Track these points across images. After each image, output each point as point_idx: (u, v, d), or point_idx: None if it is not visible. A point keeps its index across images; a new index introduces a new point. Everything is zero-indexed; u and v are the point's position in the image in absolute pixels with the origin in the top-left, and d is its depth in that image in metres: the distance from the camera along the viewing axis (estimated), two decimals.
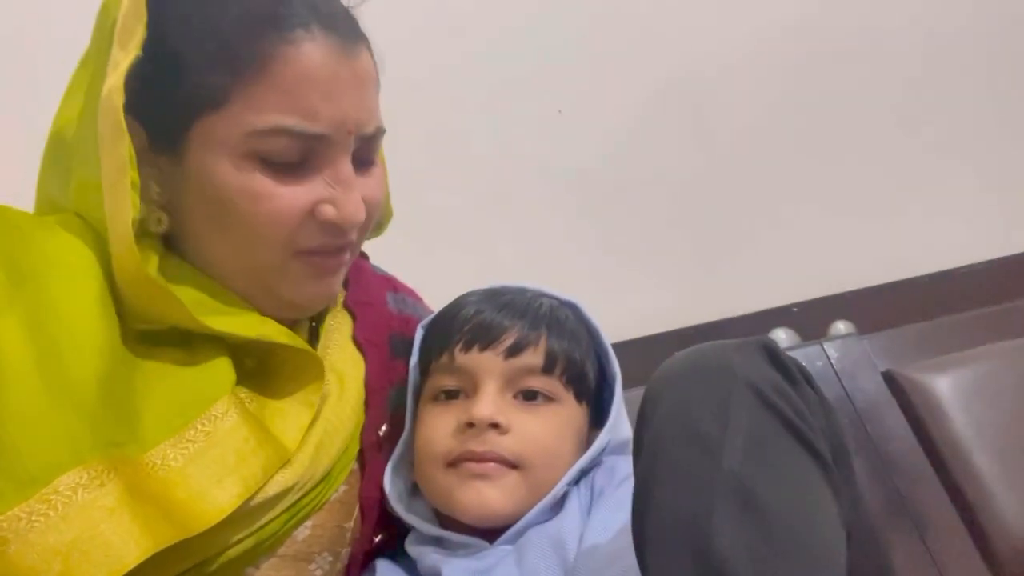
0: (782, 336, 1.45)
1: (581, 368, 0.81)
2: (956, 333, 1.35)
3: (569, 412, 0.80)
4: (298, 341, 0.71)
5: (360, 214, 0.70)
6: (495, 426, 0.75)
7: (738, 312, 1.54)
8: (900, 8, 1.66)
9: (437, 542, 0.76)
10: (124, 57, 0.62)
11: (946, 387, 1.23)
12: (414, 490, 0.83)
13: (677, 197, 1.61)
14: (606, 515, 0.72)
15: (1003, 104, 1.68)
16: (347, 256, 0.74)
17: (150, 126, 0.66)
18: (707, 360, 0.61)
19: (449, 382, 0.79)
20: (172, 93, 0.66)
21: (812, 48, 1.64)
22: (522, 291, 0.84)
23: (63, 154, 0.71)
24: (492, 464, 0.74)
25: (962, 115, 1.67)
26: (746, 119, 1.63)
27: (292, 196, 0.67)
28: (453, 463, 0.76)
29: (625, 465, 0.77)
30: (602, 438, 0.80)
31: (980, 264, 1.60)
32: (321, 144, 0.67)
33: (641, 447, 0.60)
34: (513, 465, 0.75)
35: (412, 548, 0.77)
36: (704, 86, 1.62)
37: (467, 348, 0.78)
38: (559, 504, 0.75)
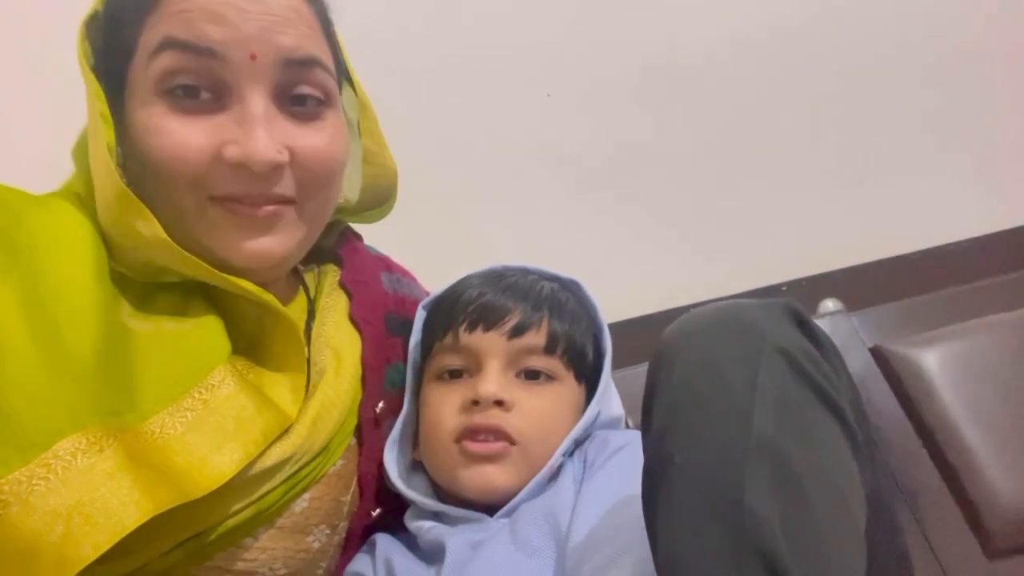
0: None
1: (581, 348, 0.83)
2: (943, 309, 1.36)
3: (568, 391, 0.81)
4: (264, 295, 0.69)
5: (268, 154, 0.64)
6: (499, 403, 0.76)
7: (727, 292, 1.54)
8: None
9: (436, 516, 0.78)
10: (89, 9, 0.66)
11: (934, 362, 1.24)
12: (412, 466, 0.84)
13: (666, 179, 1.62)
14: (598, 484, 0.73)
15: (990, 81, 1.69)
16: (279, 211, 0.69)
17: (107, 90, 0.67)
18: (732, 317, 0.59)
19: (453, 361, 0.81)
20: (110, 51, 0.67)
21: (802, 27, 1.64)
22: (524, 273, 0.85)
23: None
24: (497, 444, 0.76)
25: (949, 92, 1.67)
26: (734, 99, 1.63)
27: (193, 134, 0.64)
28: (459, 439, 0.77)
29: (617, 437, 0.79)
30: (592, 408, 0.81)
31: (967, 240, 1.61)
32: (223, 71, 0.65)
33: (657, 398, 0.58)
34: (513, 441, 0.76)
35: (411, 522, 0.78)
36: (692, 68, 1.62)
37: (471, 328, 0.80)
38: (554, 476, 0.77)
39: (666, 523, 0.54)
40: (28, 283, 0.60)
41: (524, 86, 1.59)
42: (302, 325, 0.79)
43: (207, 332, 0.68)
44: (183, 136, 0.64)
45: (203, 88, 0.65)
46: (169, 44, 0.64)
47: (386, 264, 0.96)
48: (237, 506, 0.65)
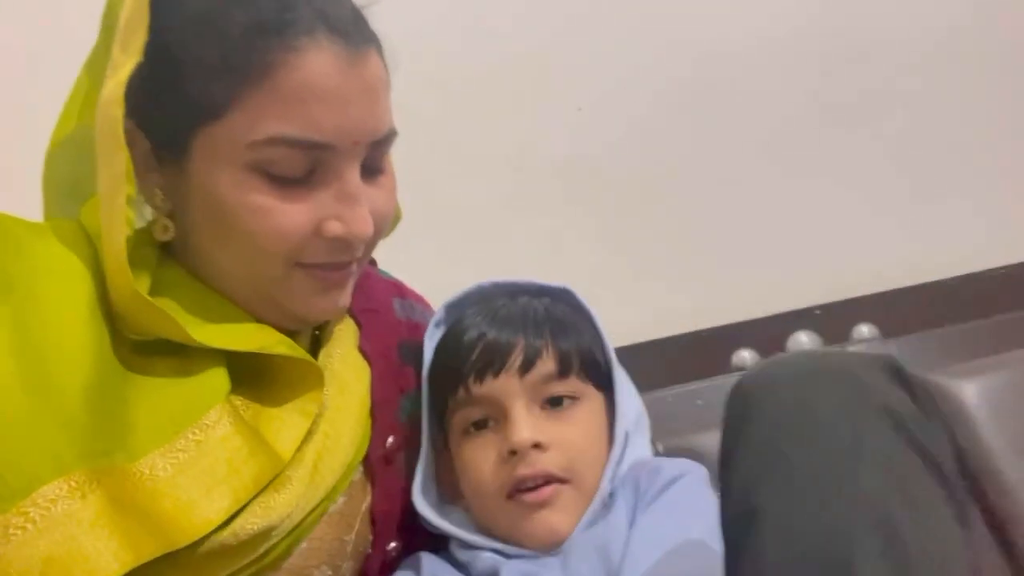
0: (804, 339, 1.43)
1: (592, 357, 0.82)
2: (983, 338, 1.32)
3: (593, 405, 0.81)
4: (298, 351, 0.69)
5: (368, 229, 0.67)
6: (536, 446, 0.75)
7: (759, 314, 1.51)
8: (918, 6, 1.63)
9: (494, 550, 0.77)
10: (125, 61, 0.61)
11: (973, 393, 1.20)
12: (439, 502, 0.83)
13: (698, 195, 1.59)
14: (651, 521, 0.72)
15: None
16: (354, 268, 0.72)
17: (153, 133, 0.65)
18: (829, 367, 0.56)
19: (475, 414, 0.79)
20: (174, 101, 0.64)
21: (831, 46, 1.61)
22: (513, 296, 0.84)
23: (68, 160, 0.70)
24: (548, 488, 0.75)
25: (988, 115, 1.63)
26: (769, 117, 1.60)
27: (295, 212, 0.65)
28: (510, 495, 0.76)
29: (670, 466, 0.78)
30: (619, 430, 0.80)
31: (1007, 267, 1.56)
32: (326, 155, 0.65)
33: (742, 445, 0.55)
34: (564, 480, 0.75)
35: (461, 553, 0.77)
36: (725, 84, 1.59)
37: (481, 377, 0.78)
38: (607, 505, 0.76)
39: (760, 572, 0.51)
40: (20, 318, 0.59)
41: (555, 98, 1.57)
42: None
43: (206, 370, 0.66)
44: (285, 216, 0.64)
45: (305, 170, 0.65)
46: (284, 141, 0.63)
47: (399, 290, 0.94)
48: (240, 564, 0.63)
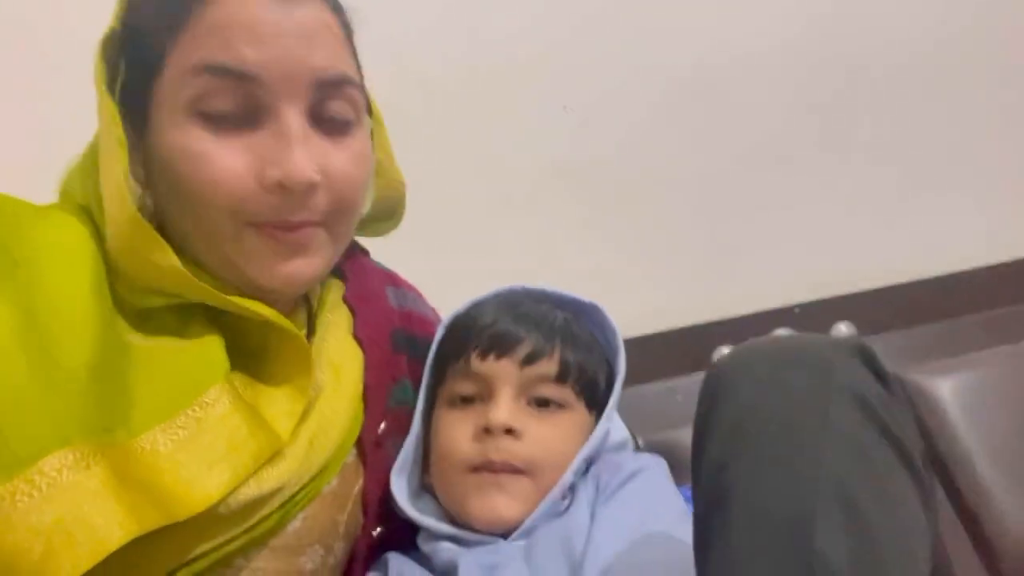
0: None
1: (593, 377, 0.83)
2: (959, 337, 1.34)
3: (579, 419, 0.82)
4: (283, 320, 0.69)
5: (307, 172, 0.64)
6: (510, 431, 0.77)
7: (740, 312, 1.53)
8: (912, 11, 1.65)
9: (451, 537, 0.78)
10: (107, 29, 0.64)
11: (948, 391, 1.22)
12: (420, 488, 0.84)
13: (681, 196, 1.61)
14: (613, 512, 0.73)
15: (1009, 107, 1.67)
16: (313, 232, 0.68)
17: (123, 105, 0.66)
18: (798, 350, 0.57)
19: (465, 388, 0.81)
20: (135, 73, 0.66)
21: (822, 48, 1.63)
22: (538, 301, 0.85)
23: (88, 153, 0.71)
24: (504, 474, 0.76)
25: (968, 118, 1.66)
26: (752, 119, 1.62)
27: (232, 156, 0.63)
28: (475, 469, 0.77)
29: (630, 461, 0.80)
30: (601, 427, 0.82)
31: (984, 268, 1.59)
32: (259, 91, 0.64)
33: (713, 427, 0.56)
34: (522, 471, 0.76)
35: (425, 544, 0.78)
36: (710, 85, 1.61)
37: (484, 355, 0.80)
38: (567, 500, 0.77)
39: (723, 557, 0.52)
40: (24, 296, 0.59)
41: (541, 99, 1.58)
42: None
43: (206, 349, 0.67)
44: (223, 162, 0.63)
45: (239, 108, 0.64)
46: (206, 68, 0.63)
47: (392, 279, 0.95)
48: (233, 533, 0.64)
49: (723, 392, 0.56)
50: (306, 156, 0.64)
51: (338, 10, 0.70)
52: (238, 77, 0.63)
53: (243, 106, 0.64)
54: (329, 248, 0.71)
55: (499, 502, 0.76)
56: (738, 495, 0.52)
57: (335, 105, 0.68)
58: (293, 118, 0.64)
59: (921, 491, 0.54)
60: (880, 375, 0.57)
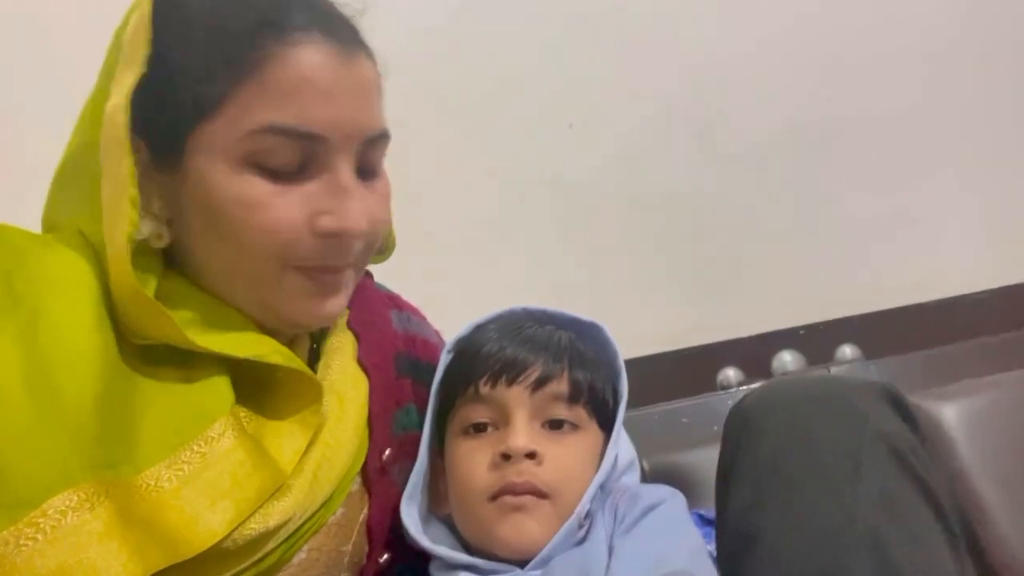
0: (788, 359, 1.44)
1: (602, 396, 0.83)
2: (963, 361, 1.34)
3: (592, 439, 0.81)
4: (296, 362, 0.69)
5: (361, 224, 0.67)
6: (531, 456, 0.76)
7: (744, 333, 1.52)
8: (910, 30, 1.66)
9: (467, 567, 0.77)
10: (129, 75, 0.62)
11: (952, 415, 1.21)
12: (428, 515, 0.83)
13: (685, 215, 1.61)
14: (632, 546, 0.72)
15: (1013, 132, 1.67)
16: (348, 274, 0.72)
17: (152, 140, 0.66)
18: (828, 394, 0.57)
19: (478, 415, 0.80)
20: (171, 103, 0.65)
21: (820, 70, 1.64)
22: (541, 322, 0.85)
23: (72, 178, 0.71)
24: (528, 496, 0.76)
25: (971, 142, 1.66)
26: (756, 138, 1.62)
27: (287, 206, 0.65)
28: (495, 497, 0.76)
29: (648, 492, 0.79)
30: (610, 452, 0.81)
31: (988, 292, 1.59)
32: (318, 147, 0.65)
33: (740, 470, 0.56)
34: (545, 495, 0.76)
35: (438, 573, 0.78)
36: (712, 105, 1.62)
37: (493, 382, 0.79)
38: (584, 529, 0.77)
39: None
40: (27, 330, 0.59)
41: (546, 116, 1.59)
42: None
43: (211, 382, 0.67)
44: (279, 212, 0.65)
45: (296, 161, 0.66)
46: (272, 128, 0.64)
47: (395, 303, 0.95)
48: (237, 568, 0.64)
49: (751, 432, 0.57)
50: (361, 209, 0.67)
51: (375, 61, 0.72)
52: (304, 137, 0.65)
53: (300, 159, 0.66)
54: (352, 283, 0.74)
55: (526, 525, 0.75)
56: (768, 540, 0.52)
57: (374, 155, 0.71)
58: (346, 172, 0.67)
59: (950, 537, 0.54)
60: (909, 419, 0.58)
